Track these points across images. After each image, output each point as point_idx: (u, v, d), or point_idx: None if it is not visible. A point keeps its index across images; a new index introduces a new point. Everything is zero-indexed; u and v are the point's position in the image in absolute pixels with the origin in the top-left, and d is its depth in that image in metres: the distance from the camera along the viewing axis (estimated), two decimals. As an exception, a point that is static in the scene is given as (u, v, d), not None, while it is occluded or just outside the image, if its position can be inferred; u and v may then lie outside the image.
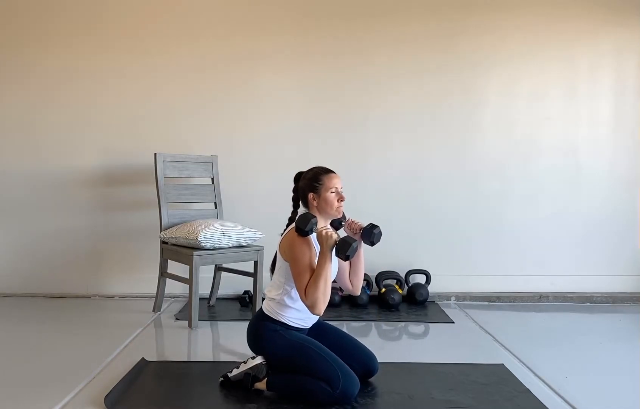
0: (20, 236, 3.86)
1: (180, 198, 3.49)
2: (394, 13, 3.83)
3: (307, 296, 2.06)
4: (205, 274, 3.46)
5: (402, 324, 3.35)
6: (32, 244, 3.85)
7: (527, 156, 3.91)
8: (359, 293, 2.46)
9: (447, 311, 3.60)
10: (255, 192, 3.85)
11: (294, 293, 2.19)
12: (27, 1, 3.79)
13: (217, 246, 3.15)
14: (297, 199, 2.35)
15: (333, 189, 2.23)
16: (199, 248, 3.10)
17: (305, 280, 2.08)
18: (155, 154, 3.37)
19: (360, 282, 2.41)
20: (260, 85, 3.84)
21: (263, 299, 2.24)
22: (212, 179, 3.66)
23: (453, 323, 3.35)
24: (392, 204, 3.80)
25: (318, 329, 2.35)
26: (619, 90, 3.91)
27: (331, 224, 2.29)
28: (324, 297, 2.05)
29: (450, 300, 3.88)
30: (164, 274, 3.39)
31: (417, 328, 3.30)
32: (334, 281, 2.31)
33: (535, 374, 2.47)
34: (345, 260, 2.09)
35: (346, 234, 2.23)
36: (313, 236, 2.17)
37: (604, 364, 2.64)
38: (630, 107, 3.91)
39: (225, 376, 2.25)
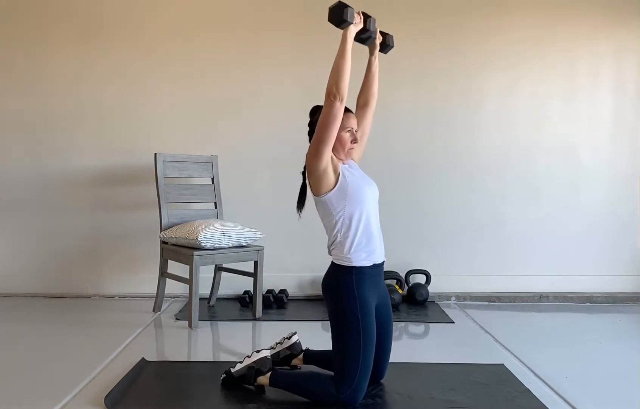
0: (20, 236, 3.86)
1: (180, 198, 3.49)
2: (394, 13, 3.83)
3: (324, 105, 2.03)
4: (205, 274, 3.46)
5: (402, 324, 3.35)
6: (33, 244, 3.86)
7: (527, 156, 3.91)
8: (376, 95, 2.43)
9: (447, 311, 3.60)
10: (255, 192, 3.85)
11: (346, 213, 2.12)
12: (27, 1, 3.79)
13: (217, 246, 3.15)
14: (312, 134, 2.25)
15: (349, 128, 2.18)
16: (199, 248, 3.10)
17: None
18: (155, 154, 3.38)
19: (377, 84, 2.42)
20: (260, 85, 3.84)
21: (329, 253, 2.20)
22: (212, 179, 3.66)
23: (453, 323, 3.35)
24: (392, 204, 3.79)
25: (386, 317, 2.26)
26: (619, 90, 3.91)
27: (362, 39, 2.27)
28: (335, 72, 2.02)
29: (450, 300, 3.88)
30: (164, 274, 3.40)
31: (417, 328, 3.30)
32: None
33: (535, 374, 2.47)
34: (333, 23, 2.06)
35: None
36: (343, 169, 2.18)
37: (604, 364, 2.64)
38: (630, 107, 3.92)
39: (228, 372, 2.24)
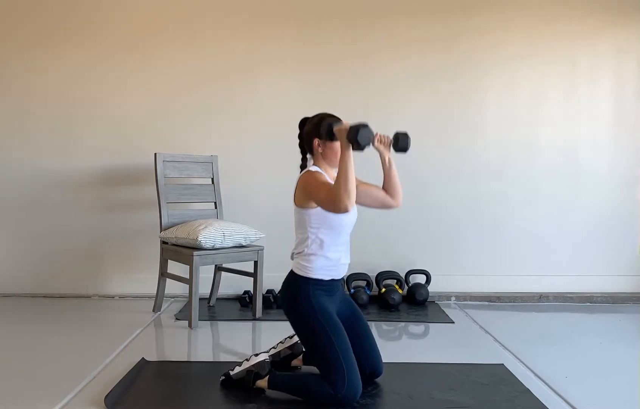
0: (20, 236, 3.86)
1: (180, 198, 3.49)
2: (394, 14, 3.83)
3: (329, 197, 2.00)
4: (205, 274, 3.46)
5: (402, 324, 3.35)
6: (32, 245, 3.85)
7: (527, 156, 3.91)
8: (400, 202, 2.38)
9: (447, 311, 3.60)
10: (255, 192, 3.85)
11: (320, 236, 2.16)
12: (27, 2, 3.79)
13: (217, 246, 3.15)
14: (302, 146, 2.31)
15: None
16: (199, 248, 3.10)
17: (325, 190, 2.05)
18: (155, 154, 3.38)
19: (399, 190, 2.36)
20: (260, 85, 3.84)
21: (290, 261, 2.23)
22: (212, 179, 3.66)
23: (453, 323, 3.35)
24: (392, 204, 3.79)
25: (351, 312, 2.31)
26: (619, 90, 3.91)
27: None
28: (345, 189, 1.95)
29: (450, 300, 3.88)
30: (164, 274, 3.39)
31: (417, 328, 3.30)
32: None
33: (535, 374, 2.47)
34: (357, 148, 1.99)
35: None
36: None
37: (604, 364, 2.64)
38: (630, 107, 3.91)
39: (227, 375, 2.25)
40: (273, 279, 3.68)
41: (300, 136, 2.32)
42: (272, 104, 3.84)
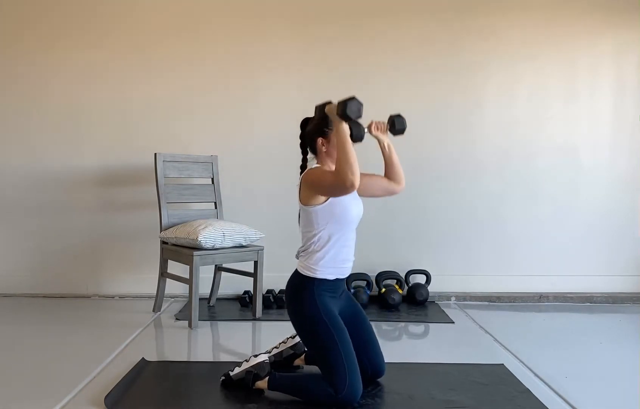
0: (20, 236, 3.86)
1: (180, 198, 3.49)
2: (394, 14, 3.83)
3: (334, 177, 2.00)
4: (205, 274, 3.46)
5: (402, 324, 3.35)
6: (32, 245, 3.85)
7: (527, 156, 3.91)
8: (403, 185, 2.38)
9: (447, 311, 3.60)
10: (255, 192, 3.85)
11: (327, 233, 2.16)
12: (31, 5, 3.78)
13: (217, 246, 3.15)
14: (304, 146, 2.30)
15: None
16: (199, 248, 3.10)
17: (330, 175, 2.06)
18: (155, 154, 3.38)
19: (401, 174, 2.35)
20: (260, 85, 3.84)
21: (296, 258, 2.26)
22: (212, 179, 3.66)
23: (453, 323, 3.35)
24: (392, 204, 3.78)
25: (354, 312, 2.32)
26: (619, 90, 3.91)
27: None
28: (347, 162, 1.95)
29: (450, 300, 3.88)
30: (164, 274, 3.39)
31: (417, 328, 3.30)
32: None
33: (535, 374, 2.47)
34: (350, 122, 2.00)
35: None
36: None
37: (604, 364, 2.64)
38: (630, 107, 3.91)
39: (227, 375, 2.25)
40: (273, 279, 3.68)
41: (302, 136, 2.31)
42: (272, 104, 3.84)
